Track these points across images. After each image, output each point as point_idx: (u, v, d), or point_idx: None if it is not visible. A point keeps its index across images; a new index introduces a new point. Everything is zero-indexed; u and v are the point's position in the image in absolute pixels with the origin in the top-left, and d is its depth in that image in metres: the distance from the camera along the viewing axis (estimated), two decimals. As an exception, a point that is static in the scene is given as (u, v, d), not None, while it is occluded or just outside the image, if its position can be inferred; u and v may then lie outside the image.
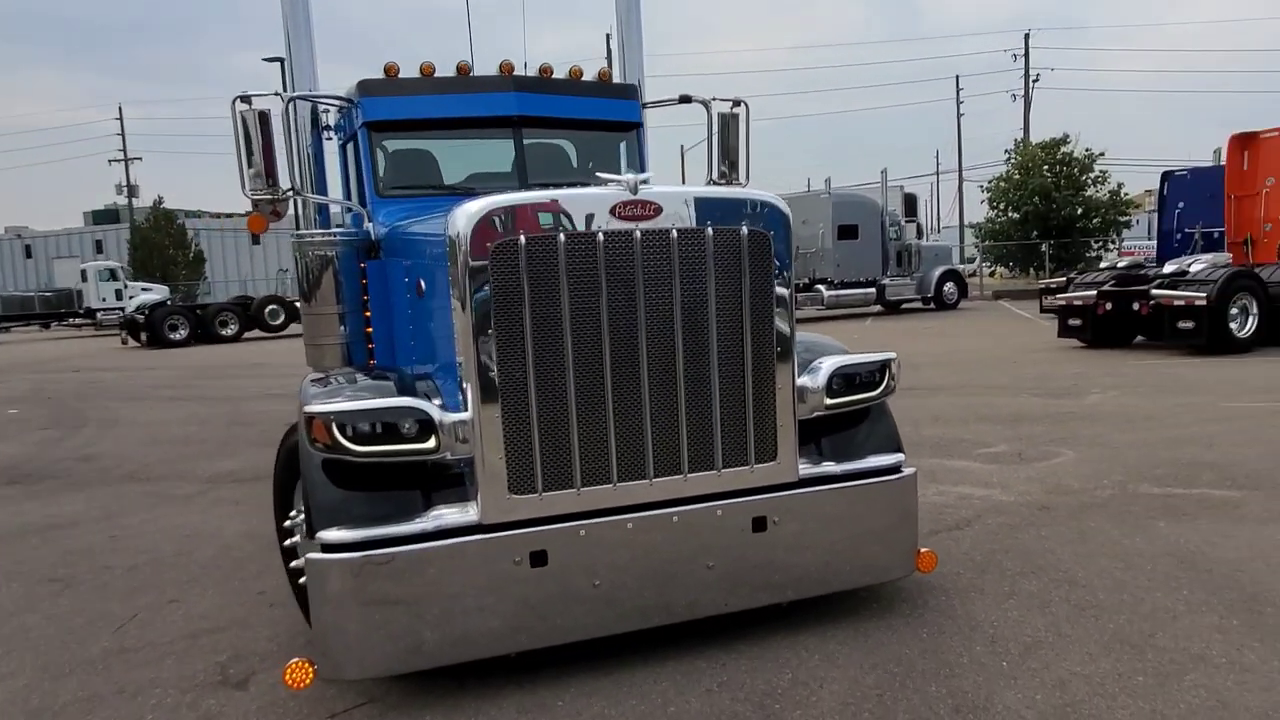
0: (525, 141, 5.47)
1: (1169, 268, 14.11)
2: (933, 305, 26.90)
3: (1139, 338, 14.15)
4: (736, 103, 5.78)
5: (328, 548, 3.16)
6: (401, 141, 5.31)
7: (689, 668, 3.52)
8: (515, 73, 5.33)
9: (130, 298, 34.32)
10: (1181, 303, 12.53)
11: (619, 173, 5.75)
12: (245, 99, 4.91)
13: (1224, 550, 4.53)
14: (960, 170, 54.47)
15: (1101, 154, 31.96)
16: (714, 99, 5.75)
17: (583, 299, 3.27)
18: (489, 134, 5.38)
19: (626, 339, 3.35)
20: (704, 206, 3.41)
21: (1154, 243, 31.74)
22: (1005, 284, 35.44)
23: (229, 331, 28.82)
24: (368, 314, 4.96)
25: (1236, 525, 4.94)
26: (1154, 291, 12.99)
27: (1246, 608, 3.82)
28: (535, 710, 3.27)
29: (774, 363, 3.56)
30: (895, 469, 3.88)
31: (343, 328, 4.91)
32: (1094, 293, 13.98)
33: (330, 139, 6.02)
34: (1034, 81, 48.90)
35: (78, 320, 37.51)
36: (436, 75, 5.20)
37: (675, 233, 3.35)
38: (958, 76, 66.03)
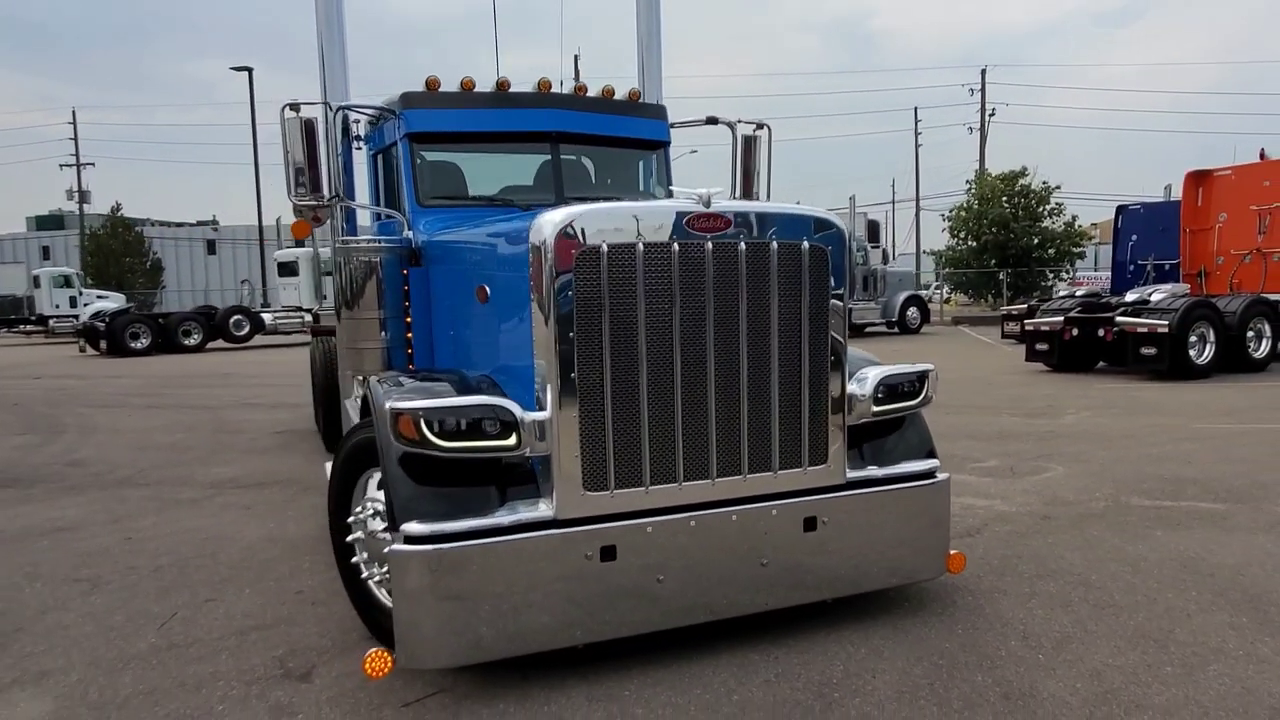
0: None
1: (1130, 296, 14.74)
2: (896, 329, 27.52)
3: (1101, 363, 14.71)
4: (760, 125, 6.03)
5: (410, 540, 3.27)
6: (439, 153, 5.45)
7: (743, 660, 3.68)
8: (552, 90, 5.50)
9: (85, 305, 33.57)
10: (1145, 330, 13.09)
11: (638, 189, 5.98)
12: (294, 107, 5.02)
13: (1221, 556, 4.83)
14: (918, 199, 55.81)
15: (1058, 187, 33.15)
16: (739, 121, 5.99)
17: (657, 306, 3.45)
18: (524, 148, 5.54)
19: (695, 344, 3.53)
20: (769, 221, 3.62)
21: (1099, 274, 32.96)
22: (964, 310, 36.38)
23: (192, 341, 28.29)
24: (408, 319, 5.06)
25: (1228, 534, 5.26)
26: (1119, 319, 13.55)
27: (1252, 607, 4.11)
28: (604, 699, 3.40)
29: (828, 371, 3.77)
30: (931, 474, 4.11)
31: (384, 333, 5.01)
32: (1061, 319, 14.51)
33: (359, 148, 6.13)
34: (990, 116, 50.46)
35: (28, 327, 36.45)
36: (476, 90, 5.36)
37: (744, 245, 3.55)
38: (916, 108, 67.62)
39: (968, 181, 35.28)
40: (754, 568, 3.72)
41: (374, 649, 3.34)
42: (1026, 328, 15.55)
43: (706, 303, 3.52)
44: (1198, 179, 16.75)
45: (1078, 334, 14.31)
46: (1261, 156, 16.97)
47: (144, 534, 6.03)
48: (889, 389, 4.01)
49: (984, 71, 50.35)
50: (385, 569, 3.71)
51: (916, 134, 56.43)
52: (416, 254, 5.07)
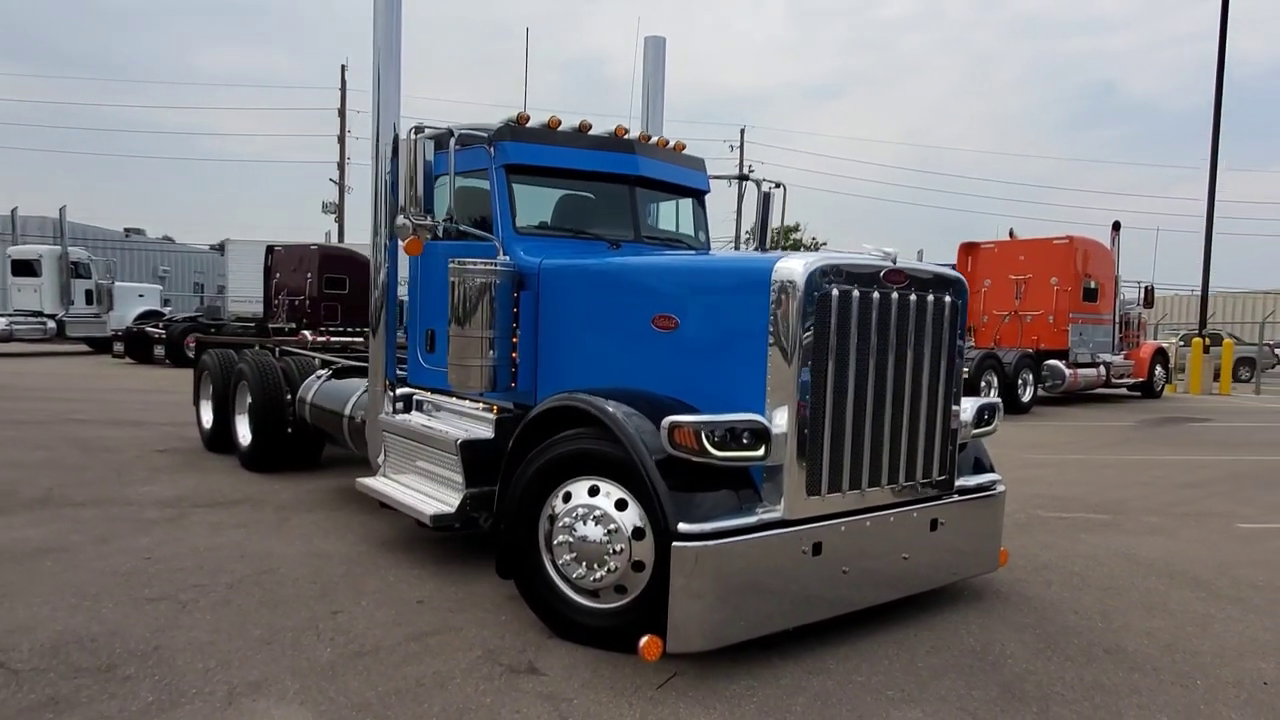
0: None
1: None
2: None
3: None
4: (777, 184, 6.91)
5: (684, 537, 3.73)
6: (527, 185, 5.77)
7: (893, 638, 4.44)
8: (626, 136, 6.02)
9: None
10: (948, 375, 15.47)
11: (688, 232, 6.60)
12: (419, 130, 5.18)
13: (1145, 552, 6.31)
14: (685, 244, 59.46)
15: (825, 243, 37.25)
16: (763, 180, 6.85)
17: (861, 344, 4.19)
18: (597, 187, 5.99)
19: (879, 377, 4.30)
20: (928, 279, 4.49)
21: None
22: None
23: (-95, 346, 24.07)
24: (514, 340, 5.33)
25: (1130, 536, 6.81)
26: (926, 365, 15.89)
27: (1199, 586, 5.52)
28: (819, 672, 4.02)
29: (955, 400, 4.69)
30: (994, 485, 5.14)
31: (492, 351, 5.24)
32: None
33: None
34: (750, 172, 55.30)
35: None
36: (561, 129, 5.77)
37: (914, 297, 4.39)
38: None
39: (747, 233, 38.59)
40: (899, 560, 4.52)
41: (647, 636, 3.73)
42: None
43: (889, 343, 4.31)
44: (968, 249, 19.93)
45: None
46: (1011, 235, 20.54)
47: (160, 554, 5.65)
48: (978, 416, 5.00)
49: (743, 131, 55.14)
50: (603, 568, 4.09)
51: (685, 183, 60.33)
52: (521, 278, 5.36)
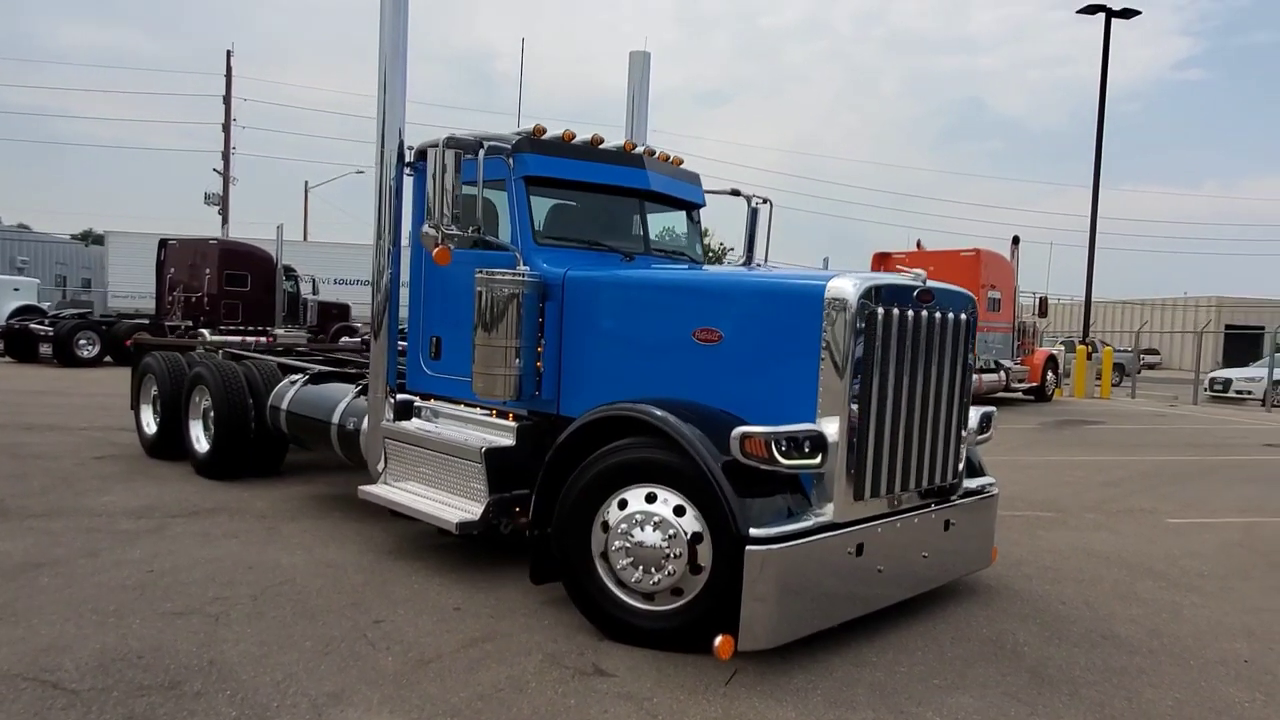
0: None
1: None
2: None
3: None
4: (764, 200, 7.21)
5: (755, 541, 3.95)
6: (544, 197, 5.86)
7: (916, 630, 4.78)
8: (635, 151, 6.19)
9: None
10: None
11: (684, 245, 6.82)
12: (451, 143, 5.21)
13: (1098, 546, 6.91)
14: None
15: (732, 249, 38.11)
16: (753, 196, 7.13)
17: (900, 358, 4.50)
18: (615, 201, 6.14)
19: (911, 388, 4.63)
20: (949, 297, 4.85)
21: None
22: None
23: None
24: (539, 349, 5.42)
25: (1079, 532, 7.43)
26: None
27: (1157, 576, 6.11)
28: (864, 664, 4.30)
29: (966, 410, 5.07)
30: (990, 487, 5.56)
31: (518, 360, 5.32)
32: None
33: (410, 174, 6.24)
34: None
35: None
36: (575, 142, 5.89)
37: (938, 314, 4.74)
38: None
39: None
40: (920, 559, 4.86)
41: (721, 635, 3.93)
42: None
43: (919, 356, 4.65)
44: (881, 259, 20.88)
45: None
46: (919, 246, 21.65)
47: (161, 566, 5.47)
48: (980, 424, 5.41)
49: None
50: (660, 572, 4.27)
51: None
52: (545, 288, 5.46)
